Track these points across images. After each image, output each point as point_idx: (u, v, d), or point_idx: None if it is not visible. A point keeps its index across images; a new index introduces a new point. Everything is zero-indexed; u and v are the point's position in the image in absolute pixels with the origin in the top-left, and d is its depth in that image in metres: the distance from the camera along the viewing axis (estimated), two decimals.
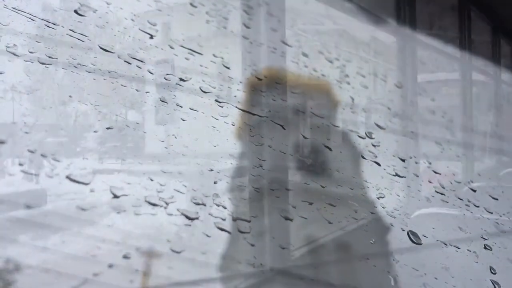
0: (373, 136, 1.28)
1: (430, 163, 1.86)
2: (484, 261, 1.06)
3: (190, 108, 1.14)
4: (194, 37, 1.26)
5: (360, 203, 1.34)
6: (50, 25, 1.01)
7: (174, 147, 1.15)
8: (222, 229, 1.07)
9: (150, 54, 1.13)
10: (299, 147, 1.35)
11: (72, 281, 0.95)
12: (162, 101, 1.14)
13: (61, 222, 1.01)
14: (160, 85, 1.16)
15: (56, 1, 1.08)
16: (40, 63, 0.99)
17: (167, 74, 1.15)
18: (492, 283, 0.97)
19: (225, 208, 1.10)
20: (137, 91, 1.15)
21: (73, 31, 1.04)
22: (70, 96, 1.09)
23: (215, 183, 1.14)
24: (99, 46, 1.05)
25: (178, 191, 1.07)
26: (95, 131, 1.10)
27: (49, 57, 1.00)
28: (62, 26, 1.03)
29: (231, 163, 1.23)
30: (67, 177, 0.92)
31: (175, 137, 1.16)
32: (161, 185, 1.07)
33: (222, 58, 1.21)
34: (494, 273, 0.99)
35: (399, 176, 1.34)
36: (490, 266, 1.00)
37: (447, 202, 1.45)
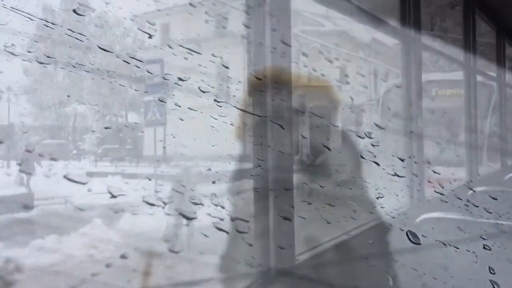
0: (372, 136, 1.27)
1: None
2: (483, 261, 1.05)
3: (189, 108, 1.14)
4: (193, 37, 1.26)
5: (367, 203, 1.33)
6: (49, 24, 1.01)
7: (172, 147, 1.15)
8: (220, 229, 1.07)
9: (149, 54, 1.13)
10: (299, 147, 1.34)
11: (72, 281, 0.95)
12: (161, 100, 1.14)
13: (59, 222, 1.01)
14: (159, 85, 1.15)
15: (55, 1, 1.08)
16: (38, 62, 0.99)
17: (165, 73, 1.15)
18: (492, 283, 0.96)
19: (223, 208, 1.09)
20: (136, 90, 1.15)
21: (72, 31, 1.04)
22: (68, 96, 1.10)
23: (213, 182, 1.14)
24: (98, 46, 1.05)
25: (176, 191, 1.06)
26: (92, 131, 1.11)
27: (48, 57, 1.00)
28: (61, 26, 1.03)
29: (230, 163, 1.23)
30: (65, 176, 0.91)
31: (174, 137, 1.16)
32: (159, 185, 1.06)
33: (221, 58, 1.20)
34: (493, 273, 0.98)
35: (397, 175, 1.34)
36: (489, 266, 1.00)
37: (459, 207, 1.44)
